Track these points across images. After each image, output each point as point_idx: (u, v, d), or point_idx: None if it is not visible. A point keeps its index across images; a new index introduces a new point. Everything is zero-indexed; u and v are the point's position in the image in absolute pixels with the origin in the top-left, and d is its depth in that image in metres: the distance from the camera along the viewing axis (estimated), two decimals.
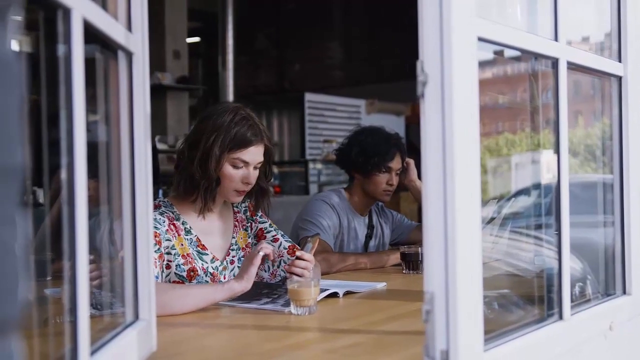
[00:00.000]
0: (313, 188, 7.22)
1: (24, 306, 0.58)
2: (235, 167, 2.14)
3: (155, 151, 5.76)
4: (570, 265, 1.53)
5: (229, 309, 1.96)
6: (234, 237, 2.30)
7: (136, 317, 1.33)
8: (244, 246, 2.32)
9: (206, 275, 2.17)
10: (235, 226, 2.32)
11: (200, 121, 2.20)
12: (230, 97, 8.65)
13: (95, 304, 1.27)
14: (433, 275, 1.14)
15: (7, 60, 0.57)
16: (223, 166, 2.13)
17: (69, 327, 0.99)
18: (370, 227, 3.09)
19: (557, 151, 1.48)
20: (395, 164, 2.95)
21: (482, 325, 1.19)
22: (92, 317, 1.03)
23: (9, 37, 0.58)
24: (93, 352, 1.06)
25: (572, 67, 1.53)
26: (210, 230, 2.24)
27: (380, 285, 2.30)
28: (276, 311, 1.87)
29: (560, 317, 1.47)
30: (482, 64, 1.23)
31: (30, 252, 0.65)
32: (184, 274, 2.12)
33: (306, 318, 1.79)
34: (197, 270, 2.14)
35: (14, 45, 0.59)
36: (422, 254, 2.60)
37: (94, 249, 1.12)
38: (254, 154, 2.16)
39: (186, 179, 2.15)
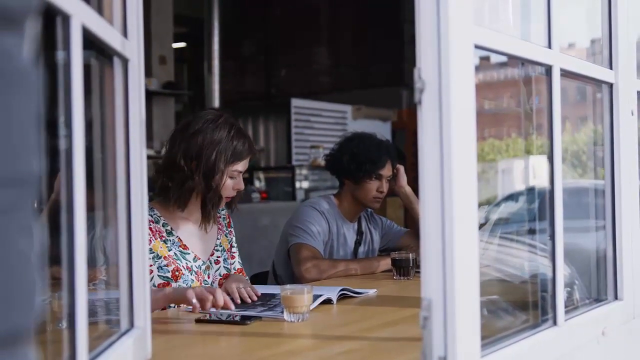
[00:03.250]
0: (300, 194, 7.21)
1: (40, 315, 0.58)
2: (231, 177, 2.25)
3: None
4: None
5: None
6: (218, 239, 2.38)
7: (131, 325, 1.32)
8: (227, 249, 2.41)
9: (191, 274, 2.23)
10: (220, 229, 2.41)
11: (191, 135, 2.21)
12: (217, 102, 8.63)
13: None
14: (431, 281, 1.14)
15: (25, 69, 0.57)
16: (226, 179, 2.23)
17: (66, 334, 0.98)
18: (360, 233, 3.09)
19: (551, 157, 1.49)
20: (386, 171, 2.95)
21: (479, 331, 1.19)
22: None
23: (26, 46, 0.58)
24: None
25: (565, 74, 1.54)
26: (194, 232, 2.31)
27: (372, 292, 2.30)
28: (275, 318, 1.85)
29: (555, 323, 1.48)
30: None
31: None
32: (169, 274, 2.18)
33: (299, 325, 1.79)
34: (182, 270, 2.20)
35: (30, 54, 0.58)
36: (412, 260, 2.60)
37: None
38: (247, 163, 2.29)
39: (186, 191, 2.21)
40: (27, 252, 0.56)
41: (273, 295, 2.15)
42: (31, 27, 0.60)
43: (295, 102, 7.88)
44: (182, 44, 10.28)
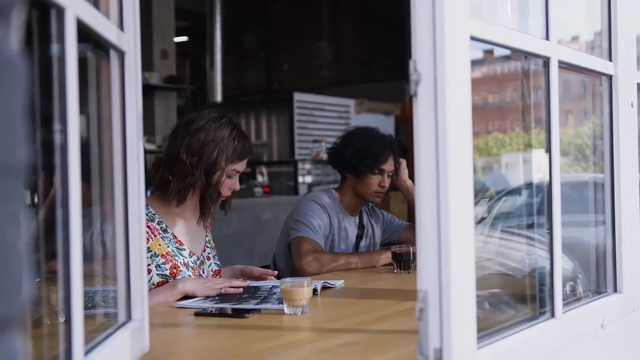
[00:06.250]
0: (302, 188, 7.21)
1: (28, 304, 0.59)
2: (229, 177, 2.27)
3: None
4: (561, 265, 1.53)
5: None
6: (207, 236, 2.43)
7: (129, 317, 1.33)
8: (213, 247, 2.45)
9: (188, 270, 2.26)
10: (208, 227, 2.45)
11: (194, 132, 2.24)
12: (219, 97, 8.63)
13: (86, 304, 1.26)
14: (427, 273, 1.14)
15: (11, 60, 0.57)
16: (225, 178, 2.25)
17: (62, 327, 0.99)
18: (361, 227, 3.09)
19: (549, 150, 1.49)
20: (388, 166, 2.95)
21: (475, 323, 1.19)
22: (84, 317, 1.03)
23: (12, 36, 0.58)
24: (87, 352, 1.05)
25: (563, 66, 1.54)
26: (186, 229, 2.33)
27: (339, 283, 2.32)
28: (275, 310, 1.86)
29: (552, 315, 1.48)
30: (472, 63, 1.23)
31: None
32: (167, 272, 2.20)
33: (298, 318, 1.79)
34: (179, 267, 2.23)
35: (17, 45, 0.59)
36: (413, 253, 2.60)
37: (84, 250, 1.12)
38: (245, 164, 2.33)
39: (186, 188, 2.23)
40: (15, 241, 0.56)
41: (258, 287, 2.18)
42: (17, 18, 0.60)
43: (298, 97, 7.87)
44: (184, 38, 10.28)
